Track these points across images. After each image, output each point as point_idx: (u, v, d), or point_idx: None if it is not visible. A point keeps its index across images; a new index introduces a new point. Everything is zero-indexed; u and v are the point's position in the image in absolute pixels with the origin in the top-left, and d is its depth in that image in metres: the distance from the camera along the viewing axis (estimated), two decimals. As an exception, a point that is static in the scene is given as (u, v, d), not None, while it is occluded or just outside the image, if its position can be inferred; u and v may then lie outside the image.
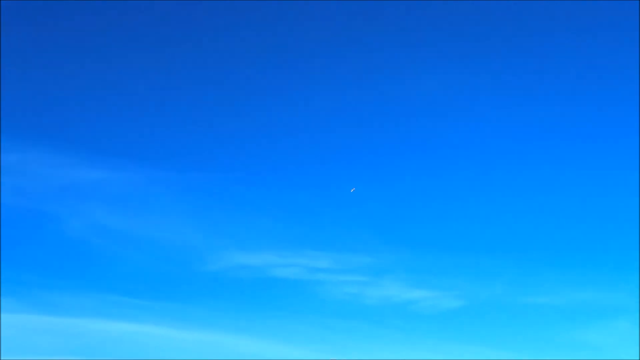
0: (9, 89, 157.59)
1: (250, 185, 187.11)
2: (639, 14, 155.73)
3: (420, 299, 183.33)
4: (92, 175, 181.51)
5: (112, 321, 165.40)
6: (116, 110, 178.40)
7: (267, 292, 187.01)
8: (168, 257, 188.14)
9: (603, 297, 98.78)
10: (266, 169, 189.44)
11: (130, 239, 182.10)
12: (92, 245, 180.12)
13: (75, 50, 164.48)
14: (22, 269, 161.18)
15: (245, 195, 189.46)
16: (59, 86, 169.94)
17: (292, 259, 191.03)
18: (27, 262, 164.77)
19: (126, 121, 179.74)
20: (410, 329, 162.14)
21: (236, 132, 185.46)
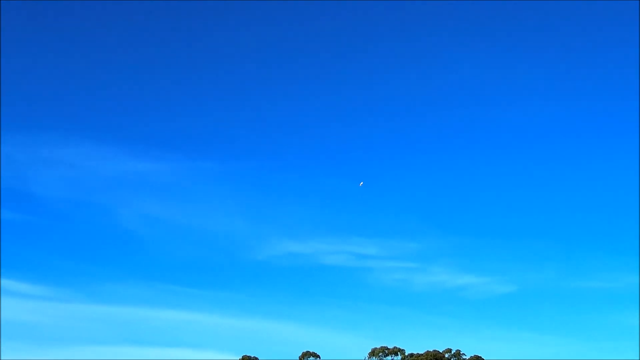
0: (60, 89, 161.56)
1: (297, 174, 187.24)
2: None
3: (470, 285, 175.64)
4: (141, 167, 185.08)
5: (164, 309, 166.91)
6: (162, 104, 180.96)
7: (316, 279, 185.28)
8: (217, 246, 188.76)
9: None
10: (313, 157, 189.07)
11: (180, 229, 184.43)
12: (143, 236, 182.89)
13: (125, 49, 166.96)
14: (77, 260, 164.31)
15: (293, 184, 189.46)
16: (108, 84, 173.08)
17: (340, 246, 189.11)
18: (81, 254, 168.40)
19: (172, 114, 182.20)
20: (461, 315, 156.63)
21: (282, 122, 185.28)
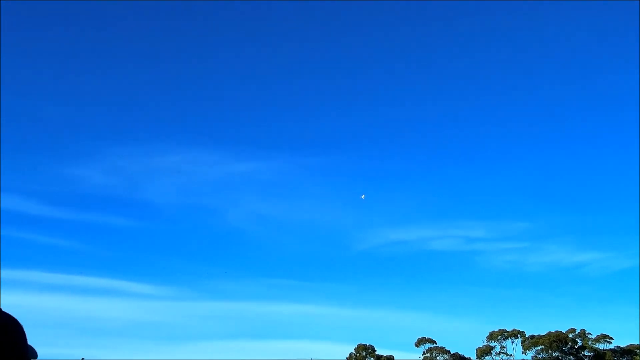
0: (162, 100, 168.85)
1: (397, 162, 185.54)
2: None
3: (589, 262, 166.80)
4: (245, 167, 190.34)
5: (277, 303, 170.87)
6: (260, 105, 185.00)
7: (424, 265, 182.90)
8: (323, 239, 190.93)
9: None
10: (411, 144, 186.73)
11: (286, 224, 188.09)
12: (252, 234, 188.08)
13: (219, 53, 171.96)
14: (192, 260, 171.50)
15: (394, 173, 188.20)
16: (204, 91, 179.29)
17: (446, 230, 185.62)
18: (195, 254, 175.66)
19: (270, 115, 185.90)
20: (581, 294, 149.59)
21: (377, 112, 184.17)
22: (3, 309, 1.72)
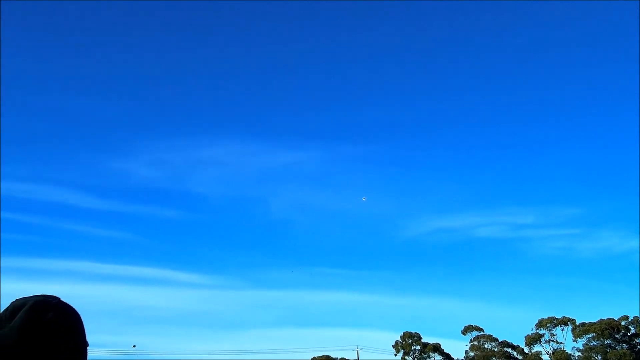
0: (203, 92, 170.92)
1: (442, 149, 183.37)
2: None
3: None
4: (287, 158, 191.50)
5: (323, 291, 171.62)
6: (303, 95, 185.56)
7: (470, 253, 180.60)
8: (367, 227, 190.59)
9: None
10: (455, 130, 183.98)
11: (329, 214, 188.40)
12: (295, 223, 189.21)
13: (258, 45, 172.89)
14: (239, 250, 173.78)
15: (438, 160, 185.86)
16: (247, 82, 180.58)
17: (493, 217, 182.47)
18: (241, 244, 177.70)
19: (313, 104, 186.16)
20: (634, 280, 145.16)
21: (420, 100, 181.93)
22: (60, 299, 1.77)
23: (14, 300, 1.69)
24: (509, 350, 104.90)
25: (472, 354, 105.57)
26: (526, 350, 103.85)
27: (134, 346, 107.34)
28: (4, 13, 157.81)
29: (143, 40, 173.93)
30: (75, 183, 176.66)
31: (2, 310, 1.66)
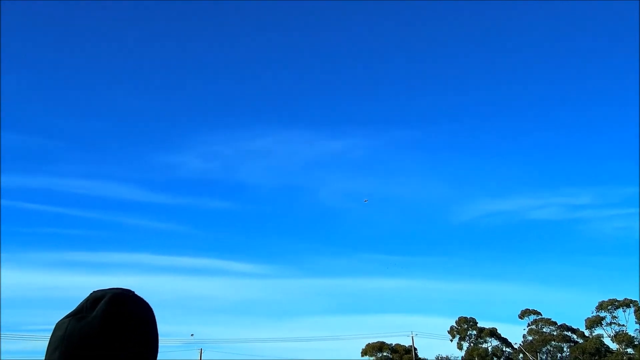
0: (250, 83, 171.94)
1: (492, 131, 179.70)
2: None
3: None
4: (335, 145, 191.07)
5: (376, 278, 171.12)
6: (348, 82, 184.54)
7: (524, 236, 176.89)
8: (418, 213, 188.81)
9: None
10: (505, 110, 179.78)
11: (380, 200, 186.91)
12: (345, 211, 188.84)
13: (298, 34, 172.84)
14: (289, 239, 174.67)
15: (488, 142, 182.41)
16: (293, 72, 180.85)
17: (547, 199, 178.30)
18: (292, 233, 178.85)
19: (359, 91, 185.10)
20: None
21: (467, 82, 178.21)
22: (135, 293, 1.85)
23: (93, 291, 1.75)
24: (569, 333, 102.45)
25: (530, 338, 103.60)
26: (587, 333, 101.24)
27: (192, 335, 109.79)
28: (72, 11, 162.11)
29: (192, 33, 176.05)
30: (131, 178, 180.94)
31: (82, 301, 1.72)
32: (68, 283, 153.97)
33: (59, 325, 1.66)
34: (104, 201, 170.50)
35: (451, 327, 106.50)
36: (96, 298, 1.71)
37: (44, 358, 1.62)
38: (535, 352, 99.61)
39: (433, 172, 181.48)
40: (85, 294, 1.71)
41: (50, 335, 1.67)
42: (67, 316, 1.69)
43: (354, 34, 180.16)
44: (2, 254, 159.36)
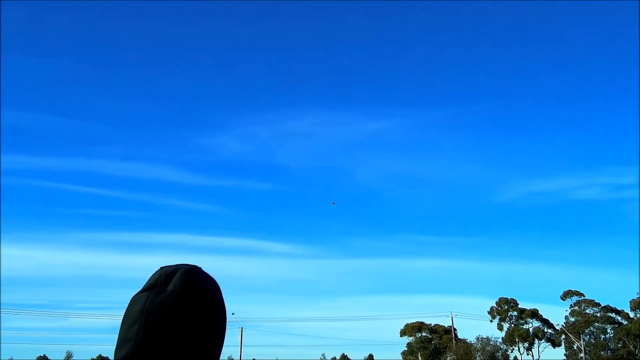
0: (287, 64, 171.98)
1: (533, 108, 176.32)
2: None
3: None
4: (373, 126, 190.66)
5: (415, 258, 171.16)
6: (386, 62, 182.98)
7: (567, 216, 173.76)
8: (458, 193, 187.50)
9: None
10: (546, 87, 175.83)
11: (418, 181, 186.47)
12: (384, 192, 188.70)
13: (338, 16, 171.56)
14: (328, 220, 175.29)
15: (529, 119, 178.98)
16: (330, 53, 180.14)
17: (590, 179, 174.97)
18: (330, 214, 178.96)
19: (397, 71, 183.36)
20: None
21: (506, 57, 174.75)
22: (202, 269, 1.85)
23: (161, 267, 1.76)
24: (613, 315, 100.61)
25: (572, 319, 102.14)
26: (631, 315, 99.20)
27: (232, 314, 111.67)
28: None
29: (232, 13, 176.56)
30: (171, 160, 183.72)
31: (152, 276, 1.73)
32: (111, 263, 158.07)
33: (135, 300, 1.68)
34: (145, 183, 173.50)
35: (491, 308, 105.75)
36: (169, 273, 1.71)
37: (119, 332, 1.64)
38: (578, 334, 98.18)
39: (473, 152, 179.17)
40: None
41: (125, 309, 1.68)
42: (141, 291, 1.70)
43: (391, 14, 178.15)
44: (46, 235, 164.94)
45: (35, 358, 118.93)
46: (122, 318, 1.68)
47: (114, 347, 1.64)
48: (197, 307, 1.67)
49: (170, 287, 1.67)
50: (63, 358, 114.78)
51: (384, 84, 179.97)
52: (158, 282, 1.69)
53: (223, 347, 1.78)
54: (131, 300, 1.69)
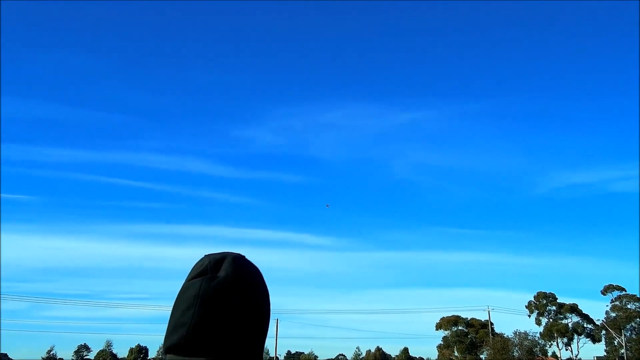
0: (319, 57, 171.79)
1: (571, 97, 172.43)
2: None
3: None
4: (407, 118, 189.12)
5: (449, 252, 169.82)
6: (418, 53, 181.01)
7: (607, 209, 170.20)
8: (493, 185, 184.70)
9: None
10: (586, 76, 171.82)
11: (453, 173, 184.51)
12: (418, 184, 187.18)
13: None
14: (361, 212, 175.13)
15: (566, 110, 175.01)
16: (361, 44, 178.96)
17: (632, 170, 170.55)
18: (363, 206, 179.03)
19: (430, 62, 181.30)
20: None
21: (541, 47, 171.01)
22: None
23: (205, 255, 1.79)
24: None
25: (613, 314, 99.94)
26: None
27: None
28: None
29: (264, 7, 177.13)
30: (206, 152, 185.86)
31: (199, 264, 1.75)
32: (149, 254, 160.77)
33: (188, 286, 1.69)
34: (181, 175, 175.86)
35: (529, 302, 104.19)
36: (217, 260, 1.74)
37: (170, 318, 1.67)
38: (619, 329, 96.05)
39: (509, 144, 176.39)
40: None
41: (177, 296, 1.70)
42: (192, 277, 1.71)
43: (424, 4, 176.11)
44: (88, 227, 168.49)
45: (77, 347, 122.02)
46: (173, 304, 1.69)
47: (164, 333, 1.66)
48: (247, 292, 1.71)
49: (222, 272, 1.70)
50: (103, 347, 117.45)
51: (418, 75, 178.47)
52: (208, 268, 1.71)
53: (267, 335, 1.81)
54: (183, 287, 1.71)
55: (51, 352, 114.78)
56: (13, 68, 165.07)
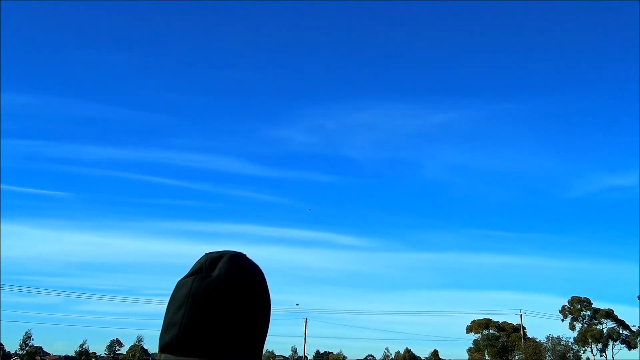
0: (351, 57, 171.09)
1: (608, 98, 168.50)
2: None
3: None
4: (439, 118, 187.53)
5: (482, 254, 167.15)
6: (452, 53, 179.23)
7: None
8: (527, 187, 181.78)
9: None
10: (624, 76, 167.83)
11: (486, 174, 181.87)
12: (450, 185, 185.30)
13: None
14: (393, 212, 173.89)
15: (603, 111, 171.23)
16: (394, 44, 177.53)
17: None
18: (395, 207, 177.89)
19: (463, 62, 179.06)
20: None
21: (575, 47, 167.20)
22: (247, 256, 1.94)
23: (206, 253, 1.78)
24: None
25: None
26: None
27: (297, 304, 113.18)
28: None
29: (297, 7, 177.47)
30: (239, 152, 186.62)
31: (198, 262, 1.74)
32: (181, 251, 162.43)
33: (181, 284, 1.67)
34: (215, 174, 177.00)
35: (563, 307, 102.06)
36: (214, 258, 1.73)
37: (164, 317, 1.65)
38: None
39: (545, 145, 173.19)
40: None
41: (171, 294, 1.68)
42: (187, 275, 1.69)
43: (457, 6, 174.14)
44: (124, 223, 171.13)
45: (109, 342, 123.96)
46: (167, 303, 1.68)
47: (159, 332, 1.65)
48: (242, 292, 1.68)
49: (216, 272, 1.68)
50: (134, 342, 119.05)
51: (451, 75, 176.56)
52: (203, 267, 1.70)
53: (267, 335, 1.77)
54: (177, 285, 1.70)
55: (84, 347, 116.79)
56: (52, 67, 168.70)
